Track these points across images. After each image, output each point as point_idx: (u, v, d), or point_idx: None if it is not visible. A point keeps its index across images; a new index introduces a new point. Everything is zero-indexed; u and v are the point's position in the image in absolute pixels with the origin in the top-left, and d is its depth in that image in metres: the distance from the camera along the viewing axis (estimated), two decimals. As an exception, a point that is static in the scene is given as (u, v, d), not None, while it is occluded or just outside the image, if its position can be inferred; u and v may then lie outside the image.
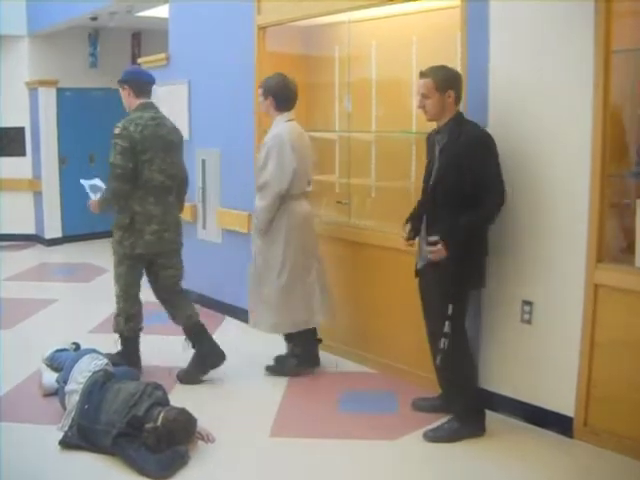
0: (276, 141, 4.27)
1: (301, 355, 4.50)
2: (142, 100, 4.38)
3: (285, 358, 4.57)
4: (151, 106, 4.41)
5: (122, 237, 4.30)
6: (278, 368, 4.54)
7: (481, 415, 3.71)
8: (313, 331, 4.53)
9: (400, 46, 4.73)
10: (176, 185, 4.45)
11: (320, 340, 4.57)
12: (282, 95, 4.34)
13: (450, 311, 3.53)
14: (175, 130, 4.48)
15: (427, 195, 3.68)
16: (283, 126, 4.34)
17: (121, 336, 4.46)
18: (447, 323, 3.54)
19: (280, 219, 4.31)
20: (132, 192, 4.23)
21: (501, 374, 3.92)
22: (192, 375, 4.42)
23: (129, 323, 4.43)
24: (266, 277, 4.42)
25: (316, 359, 4.54)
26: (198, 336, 4.45)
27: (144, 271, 4.47)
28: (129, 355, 4.46)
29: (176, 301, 4.50)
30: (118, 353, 4.44)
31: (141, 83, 4.40)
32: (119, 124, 4.25)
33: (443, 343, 3.57)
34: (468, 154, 3.46)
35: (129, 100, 4.42)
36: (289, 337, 4.54)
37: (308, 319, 4.41)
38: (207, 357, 4.42)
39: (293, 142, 4.28)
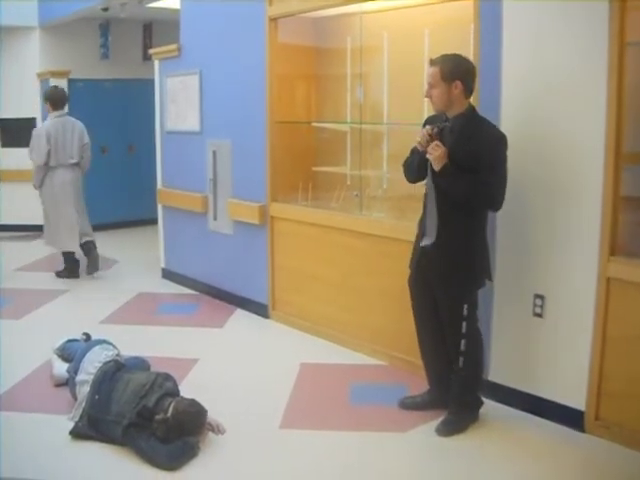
0: (36, 132, 6.74)
1: (65, 270, 6.91)
2: None
3: (62, 271, 6.97)
4: None
5: None
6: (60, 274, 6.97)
7: (480, 401, 3.78)
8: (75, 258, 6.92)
9: (412, 38, 4.69)
10: None
11: (78, 262, 6.95)
12: (50, 99, 6.71)
13: (465, 312, 3.53)
14: None
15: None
16: (48, 121, 6.74)
17: None
18: (464, 324, 3.54)
19: (45, 180, 6.72)
20: None
21: (512, 368, 3.91)
22: None
23: None
24: None
25: (76, 273, 6.92)
26: None
27: None
28: None
29: None
30: None
31: None
32: None
33: (463, 345, 3.57)
34: (488, 153, 3.36)
35: None
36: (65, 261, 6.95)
37: (65, 245, 6.83)
38: None
39: (51, 132, 6.57)
